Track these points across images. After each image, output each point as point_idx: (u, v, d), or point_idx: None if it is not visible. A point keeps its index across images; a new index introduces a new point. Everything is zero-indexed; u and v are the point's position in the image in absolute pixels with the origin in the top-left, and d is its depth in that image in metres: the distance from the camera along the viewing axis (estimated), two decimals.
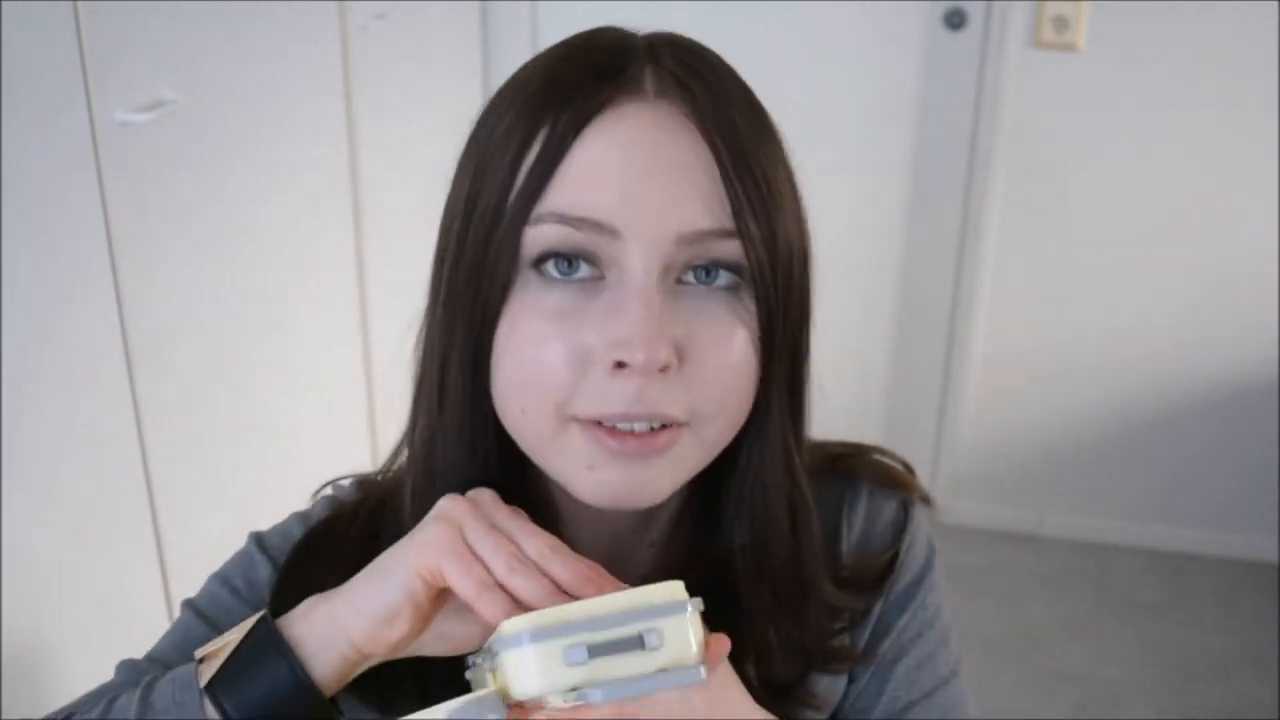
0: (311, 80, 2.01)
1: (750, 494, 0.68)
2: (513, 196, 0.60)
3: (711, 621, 0.59)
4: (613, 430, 0.60)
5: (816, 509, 0.71)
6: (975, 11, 2.56)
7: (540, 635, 0.53)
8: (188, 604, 0.73)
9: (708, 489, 0.69)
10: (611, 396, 0.59)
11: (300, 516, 0.77)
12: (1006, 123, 2.57)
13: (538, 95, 0.61)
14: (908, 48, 2.62)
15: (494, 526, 0.59)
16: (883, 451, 0.81)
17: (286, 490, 0.89)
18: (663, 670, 0.53)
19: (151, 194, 1.59)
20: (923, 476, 3.00)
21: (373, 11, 2.17)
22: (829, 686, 0.75)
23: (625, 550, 0.72)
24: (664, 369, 0.59)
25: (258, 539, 0.75)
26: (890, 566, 0.76)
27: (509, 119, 0.62)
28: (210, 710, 0.59)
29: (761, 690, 0.68)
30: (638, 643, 0.53)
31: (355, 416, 2.27)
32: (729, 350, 0.61)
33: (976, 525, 2.87)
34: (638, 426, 0.60)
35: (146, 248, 1.58)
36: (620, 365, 0.58)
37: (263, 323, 1.91)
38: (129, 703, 0.61)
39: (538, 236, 0.60)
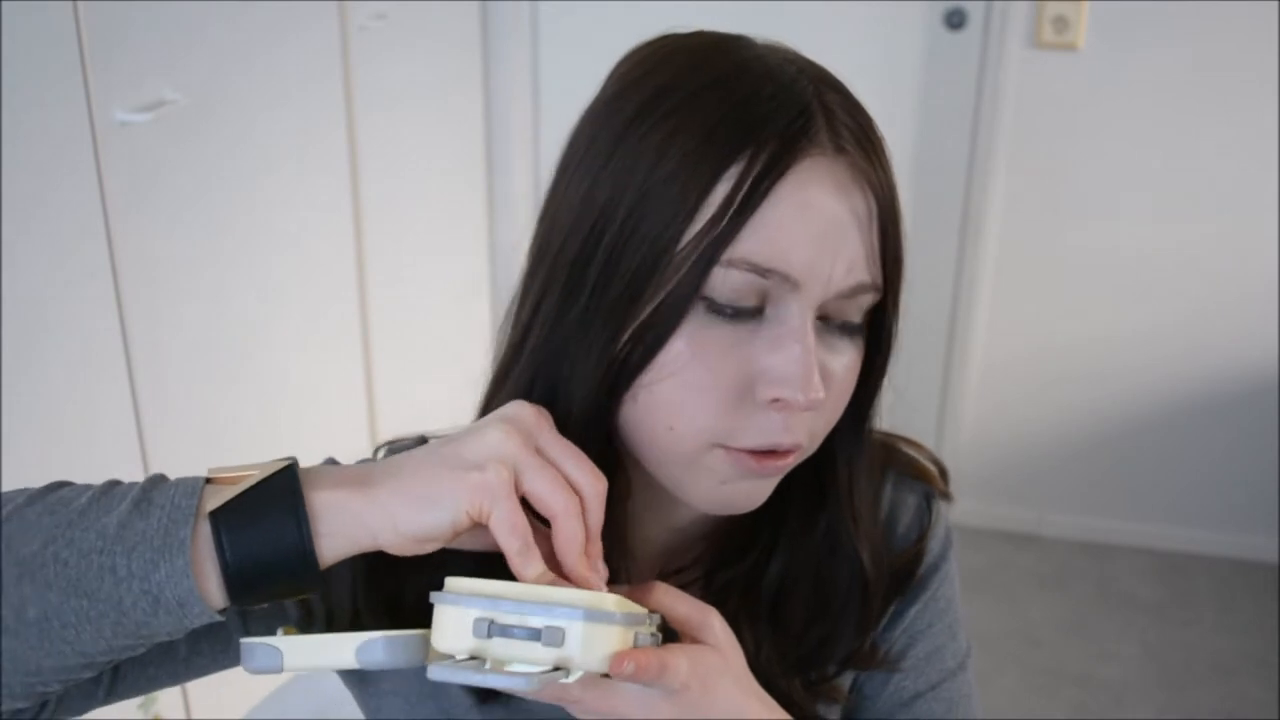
0: (311, 80, 2.01)
1: (826, 505, 0.73)
2: (696, 231, 0.61)
3: (751, 623, 0.68)
4: (755, 453, 0.64)
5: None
6: (975, 11, 2.56)
7: (464, 601, 0.56)
8: None
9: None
10: (766, 430, 0.63)
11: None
12: (1006, 123, 2.57)
13: (721, 131, 0.62)
14: (908, 48, 2.62)
15: (548, 463, 0.60)
16: (912, 443, 0.83)
17: None
18: (550, 669, 0.54)
19: (151, 194, 1.59)
20: None
21: (373, 11, 2.17)
22: (844, 678, 0.76)
23: (681, 541, 0.75)
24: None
25: None
26: (915, 565, 0.78)
27: (679, 142, 0.62)
28: (203, 536, 0.56)
29: (800, 686, 0.73)
30: (536, 635, 0.54)
31: (355, 414, 2.27)
32: (848, 385, 0.67)
33: (976, 525, 2.87)
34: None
35: (146, 247, 1.58)
36: (776, 400, 0.62)
37: (262, 321, 1.91)
38: (130, 489, 0.58)
39: (727, 279, 0.61)
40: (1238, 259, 2.57)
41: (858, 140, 0.65)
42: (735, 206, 0.61)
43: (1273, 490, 2.70)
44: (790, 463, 0.65)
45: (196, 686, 1.65)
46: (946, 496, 0.82)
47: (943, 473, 0.83)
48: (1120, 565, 2.76)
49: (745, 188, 0.61)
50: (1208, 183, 2.54)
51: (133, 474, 1.58)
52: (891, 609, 0.77)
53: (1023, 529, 2.87)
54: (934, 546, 0.79)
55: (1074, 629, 2.54)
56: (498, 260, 2.81)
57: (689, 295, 0.62)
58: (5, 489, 0.61)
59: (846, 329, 0.66)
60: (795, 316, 0.62)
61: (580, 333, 0.64)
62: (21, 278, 1.34)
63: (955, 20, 2.57)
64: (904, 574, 0.77)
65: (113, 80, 1.46)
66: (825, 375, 0.64)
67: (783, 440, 0.63)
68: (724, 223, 0.61)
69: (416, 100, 2.42)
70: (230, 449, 1.82)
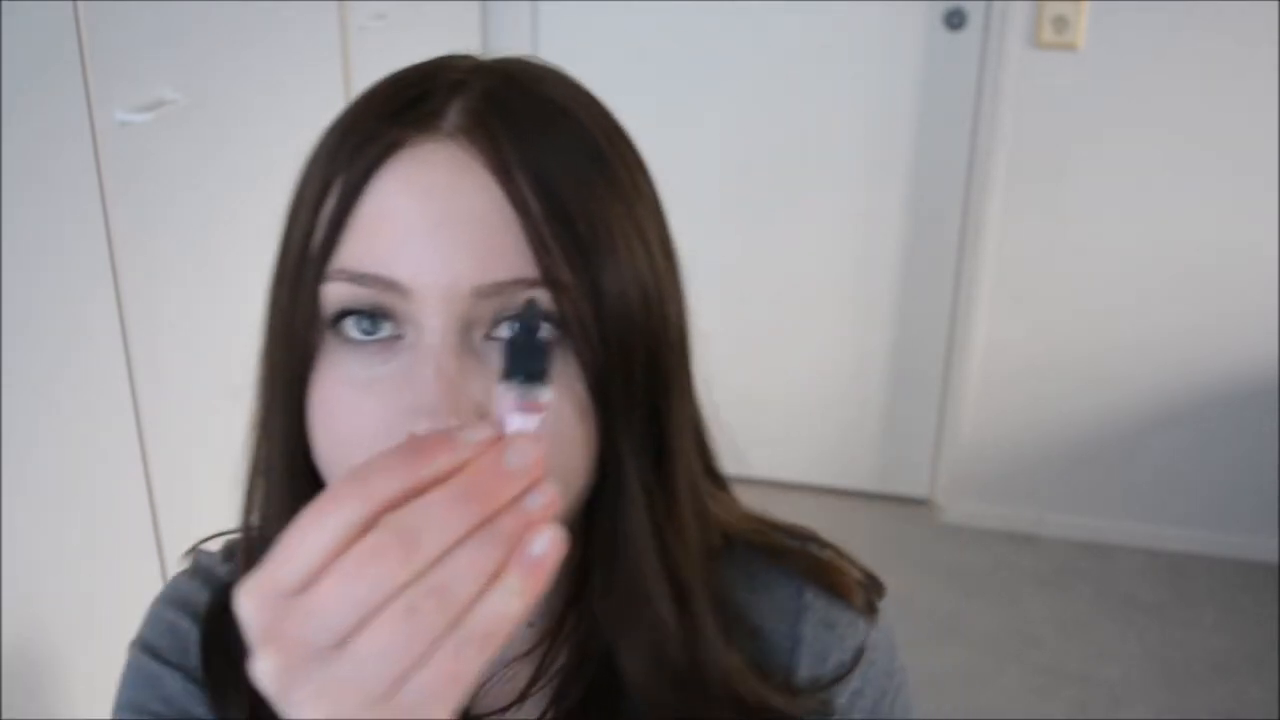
0: (311, 80, 2.01)
1: (616, 564, 0.59)
2: (311, 252, 0.55)
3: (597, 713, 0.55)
4: None
5: (748, 594, 0.66)
6: (975, 11, 2.56)
7: None
8: None
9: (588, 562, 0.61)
10: None
11: (171, 603, 0.70)
12: (1006, 123, 2.57)
13: (335, 138, 0.57)
14: (908, 48, 2.62)
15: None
16: (828, 545, 0.72)
17: None
18: None
19: (151, 194, 1.59)
20: (923, 476, 3.00)
21: (373, 11, 2.17)
22: None
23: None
24: None
25: (143, 647, 0.69)
26: (836, 682, 0.68)
27: (310, 167, 0.58)
28: None
29: None
30: None
31: None
32: (555, 407, 0.53)
33: (976, 525, 2.87)
34: None
35: (146, 247, 1.58)
36: None
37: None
38: None
39: (330, 295, 0.54)
40: (1238, 259, 2.57)
41: (485, 118, 0.54)
42: (335, 212, 0.54)
43: (1273, 490, 2.70)
44: None
45: None
46: (871, 609, 0.69)
47: (875, 584, 0.71)
48: (1120, 565, 2.76)
49: (345, 191, 0.54)
50: (1208, 183, 2.54)
51: (133, 474, 1.58)
52: None
53: (1023, 529, 2.87)
54: (877, 678, 0.68)
55: (1074, 629, 2.54)
56: None
57: (314, 324, 0.55)
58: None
59: None
60: (428, 334, 0.52)
61: (263, 403, 0.61)
62: (21, 278, 1.34)
63: (955, 20, 2.57)
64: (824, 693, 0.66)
65: (113, 80, 1.46)
66: (493, 398, 0.52)
67: None
68: (326, 233, 0.54)
69: None
70: (230, 449, 1.81)
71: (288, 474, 0.60)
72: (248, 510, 0.66)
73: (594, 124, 0.58)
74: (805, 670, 0.67)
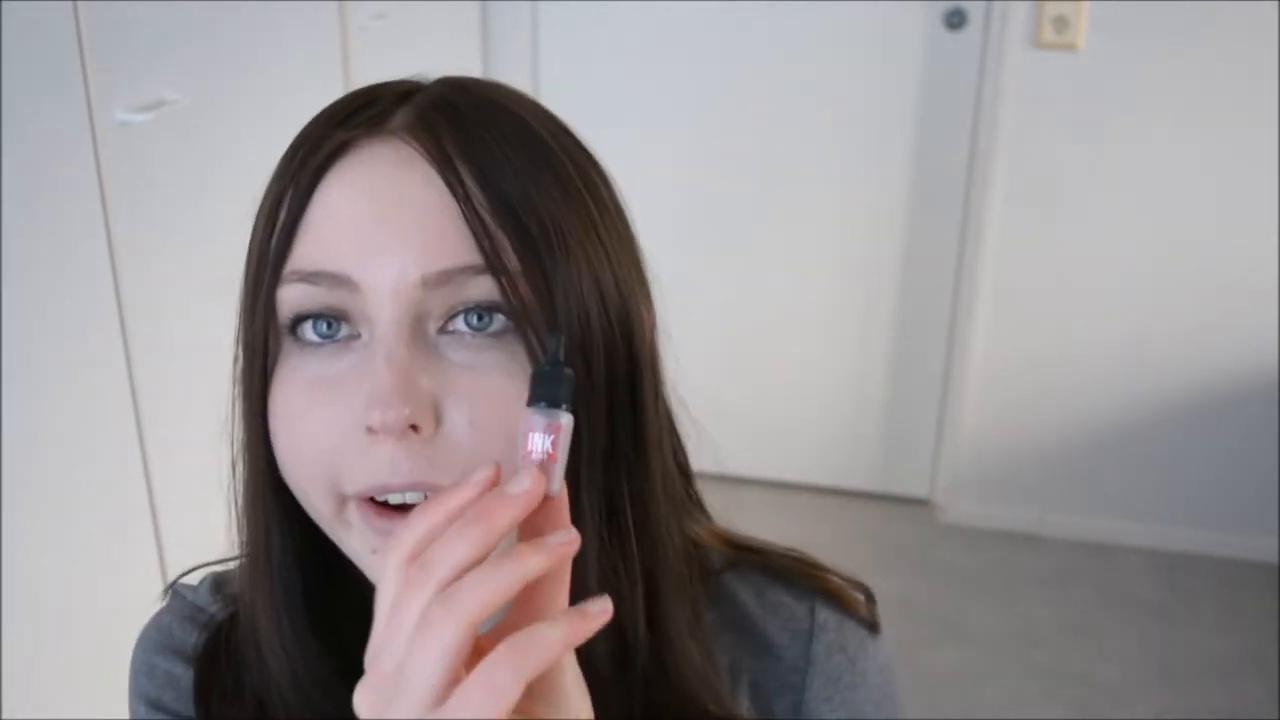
0: (311, 80, 2.01)
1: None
2: (267, 259, 0.56)
3: None
4: (383, 507, 0.54)
5: (759, 610, 0.67)
6: (975, 11, 2.56)
7: None
8: None
9: None
10: (370, 467, 0.53)
11: (165, 650, 0.70)
12: (1006, 123, 2.57)
13: (289, 151, 0.58)
14: (908, 48, 2.62)
15: None
16: (822, 565, 0.72)
17: None
18: None
19: (151, 194, 1.59)
20: (923, 476, 3.00)
21: (373, 11, 2.17)
22: None
23: None
24: (416, 429, 0.52)
25: (147, 702, 0.69)
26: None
27: (269, 182, 0.58)
28: None
29: None
30: None
31: None
32: (491, 403, 0.53)
33: (976, 525, 2.87)
34: (410, 498, 0.54)
35: (146, 247, 1.58)
36: (370, 430, 0.52)
37: None
38: None
39: (285, 299, 0.55)
40: (1238, 259, 2.57)
41: (429, 117, 0.56)
42: (289, 216, 0.55)
43: (1273, 490, 2.70)
44: None
45: None
46: (874, 628, 0.70)
47: (868, 597, 0.71)
48: (1120, 565, 2.76)
49: (297, 195, 0.55)
50: (1208, 183, 2.54)
51: (133, 474, 1.58)
52: None
53: (1023, 529, 2.87)
54: (868, 694, 0.68)
55: (1074, 629, 2.54)
56: None
57: (272, 331, 0.56)
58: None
59: (488, 340, 0.54)
60: (380, 327, 0.53)
61: (240, 415, 0.63)
62: (21, 278, 1.34)
63: (955, 20, 2.57)
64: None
65: (113, 80, 1.46)
66: (451, 395, 0.53)
67: (391, 480, 0.53)
68: (281, 237, 0.55)
69: None
70: (230, 448, 1.81)
71: (266, 493, 0.60)
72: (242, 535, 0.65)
73: (543, 127, 0.58)
74: (815, 690, 0.67)
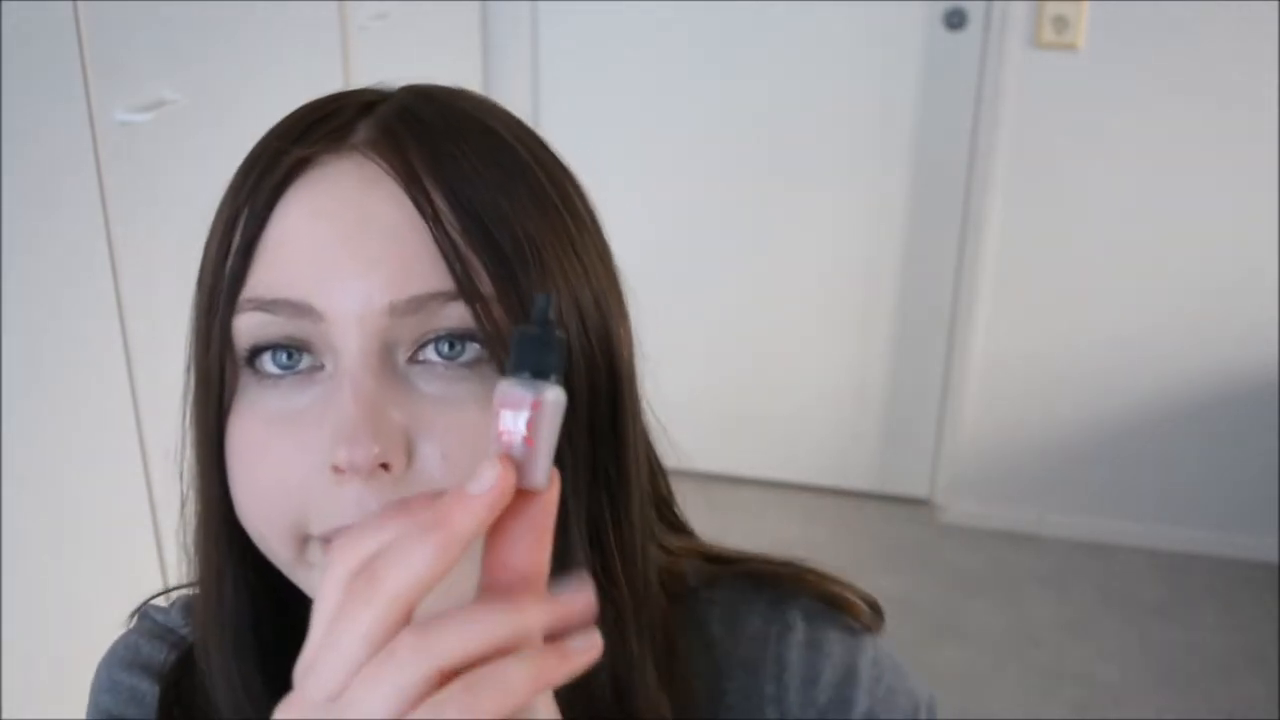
0: (311, 80, 2.01)
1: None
2: (221, 285, 0.52)
3: None
4: None
5: (724, 630, 0.63)
6: (975, 11, 2.56)
7: None
8: None
9: None
10: (336, 508, 0.49)
11: (130, 666, 0.67)
12: (1006, 123, 2.57)
13: (243, 168, 0.54)
14: (908, 48, 2.62)
15: None
16: (819, 573, 0.67)
17: None
18: None
19: (151, 194, 1.59)
20: (923, 476, 3.00)
21: (373, 11, 2.17)
22: None
23: None
24: (386, 468, 0.48)
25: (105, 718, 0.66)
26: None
27: (221, 201, 0.55)
28: None
29: None
30: None
31: None
32: (465, 437, 0.49)
33: (976, 525, 2.87)
34: None
35: (146, 247, 1.58)
36: (336, 469, 0.48)
37: None
38: None
39: (242, 329, 0.51)
40: (1238, 259, 2.57)
41: (395, 131, 0.52)
42: (244, 240, 0.51)
43: (1273, 490, 2.70)
44: None
45: None
46: (875, 628, 0.65)
47: (874, 610, 0.66)
48: (1120, 565, 2.76)
49: (252, 217, 0.51)
50: (1208, 182, 2.54)
51: (133, 474, 1.58)
52: None
53: (1023, 529, 2.87)
54: (898, 706, 0.63)
55: (1074, 629, 2.54)
56: None
57: (228, 362, 0.52)
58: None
59: (462, 370, 0.50)
60: (345, 358, 0.49)
61: (193, 454, 0.58)
62: (21, 278, 1.34)
63: (955, 20, 2.57)
64: None
65: (113, 80, 1.46)
66: (422, 427, 0.49)
67: (362, 520, 0.47)
68: (235, 262, 0.51)
69: None
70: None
71: (219, 532, 0.56)
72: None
73: (514, 137, 0.54)
74: (797, 694, 0.63)
